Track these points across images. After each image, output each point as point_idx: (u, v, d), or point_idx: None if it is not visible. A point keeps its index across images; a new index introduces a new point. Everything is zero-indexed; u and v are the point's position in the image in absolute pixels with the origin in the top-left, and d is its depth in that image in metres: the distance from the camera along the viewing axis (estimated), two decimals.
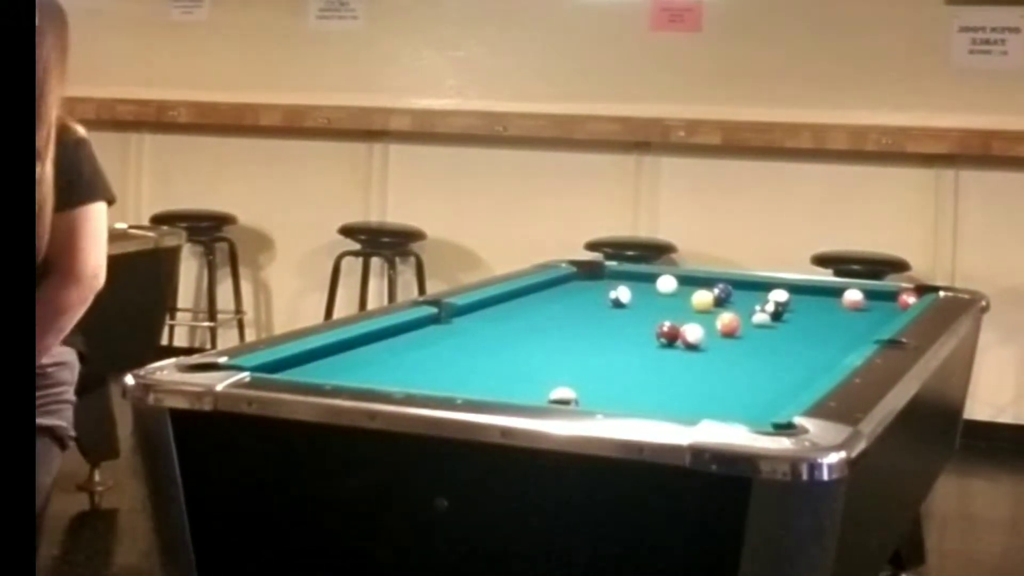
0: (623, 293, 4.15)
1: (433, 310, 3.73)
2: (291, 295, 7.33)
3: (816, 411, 2.58)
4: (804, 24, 6.58)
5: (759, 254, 6.32)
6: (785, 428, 2.44)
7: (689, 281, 4.39)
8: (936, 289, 4.46)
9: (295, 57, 7.34)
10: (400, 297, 6.79)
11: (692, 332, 3.49)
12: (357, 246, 6.89)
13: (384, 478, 2.57)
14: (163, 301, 5.45)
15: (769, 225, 6.58)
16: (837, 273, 5.96)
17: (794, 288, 4.26)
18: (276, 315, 7.40)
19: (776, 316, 3.92)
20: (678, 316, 3.67)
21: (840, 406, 2.65)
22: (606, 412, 2.52)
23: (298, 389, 2.71)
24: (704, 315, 3.84)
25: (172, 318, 7.01)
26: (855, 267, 6.03)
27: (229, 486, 2.69)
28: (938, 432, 3.94)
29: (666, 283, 4.43)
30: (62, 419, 2.66)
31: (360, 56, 7.22)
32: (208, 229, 7.11)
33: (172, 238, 5.29)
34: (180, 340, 7.30)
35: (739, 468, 2.29)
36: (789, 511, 2.32)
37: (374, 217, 7.15)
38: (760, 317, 3.87)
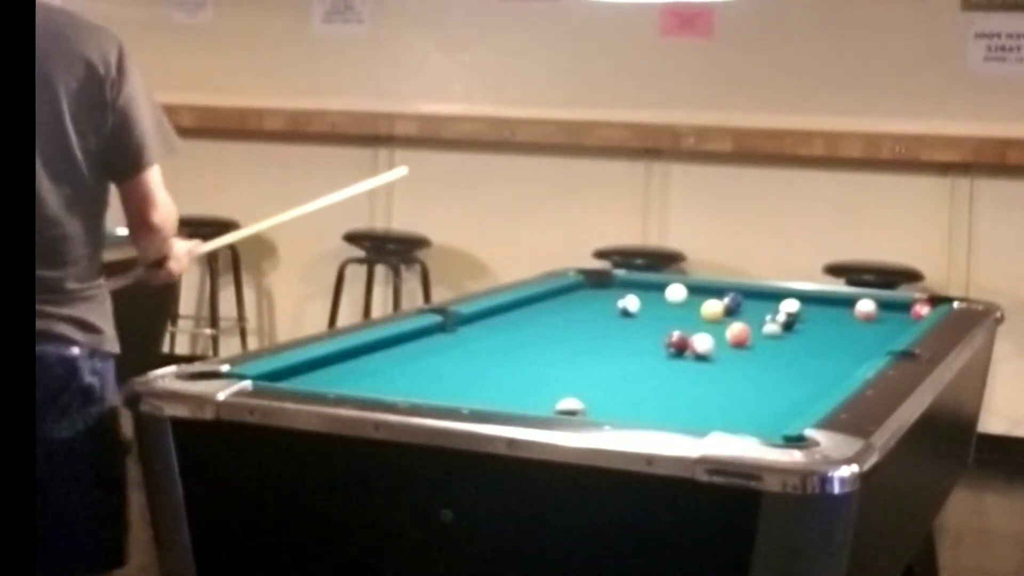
0: (632, 302, 4.13)
1: (438, 318, 3.72)
2: (294, 302, 7.31)
3: (827, 423, 2.57)
4: (817, 30, 6.55)
5: (770, 263, 6.29)
6: (796, 441, 2.43)
7: (699, 290, 4.37)
8: (950, 300, 4.43)
9: (300, 61, 7.32)
10: (405, 305, 6.77)
11: (701, 342, 3.47)
12: (362, 253, 6.87)
13: (388, 489, 2.57)
14: (164, 308, 5.43)
15: (781, 234, 6.55)
16: (849, 283, 5.94)
17: (805, 298, 4.23)
18: (279, 323, 7.38)
19: (787, 326, 3.90)
20: (687, 326, 3.65)
21: (852, 418, 2.63)
22: (614, 423, 2.51)
23: (301, 398, 2.71)
24: (714, 325, 3.82)
25: (173, 325, 6.99)
26: (868, 277, 6.01)
27: (231, 496, 2.69)
28: (952, 445, 3.92)
29: (675, 292, 4.40)
30: None
31: (365, 60, 7.20)
32: (210, 235, 7.01)
33: None
34: (181, 348, 7.29)
35: (749, 481, 2.28)
36: (799, 525, 2.31)
37: (379, 224, 7.12)
38: (771, 327, 3.85)
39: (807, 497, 2.28)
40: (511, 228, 6.90)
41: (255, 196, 7.20)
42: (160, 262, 3.19)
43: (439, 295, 6.58)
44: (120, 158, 2.94)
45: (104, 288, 3.03)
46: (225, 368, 2.86)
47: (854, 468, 2.31)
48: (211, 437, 2.63)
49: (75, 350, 2.89)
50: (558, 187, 6.89)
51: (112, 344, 3.01)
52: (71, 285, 2.90)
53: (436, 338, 3.62)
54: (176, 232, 3.15)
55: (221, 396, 2.64)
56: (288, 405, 2.65)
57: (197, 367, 2.90)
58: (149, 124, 2.97)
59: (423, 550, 2.54)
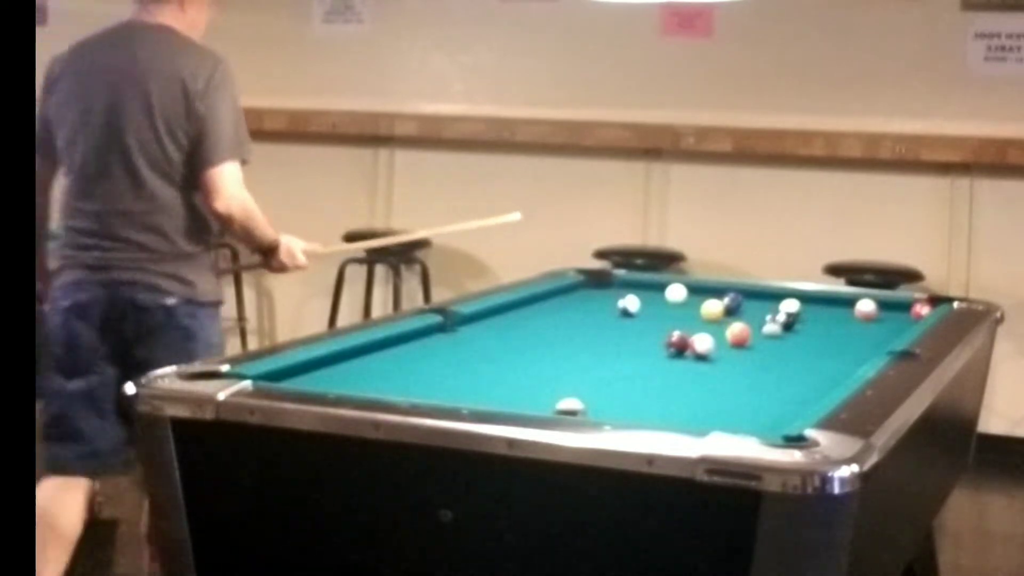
0: (632, 302, 4.12)
1: (438, 319, 3.72)
2: (294, 302, 7.30)
3: (827, 423, 2.57)
4: (817, 30, 6.54)
5: (770, 263, 6.28)
6: (796, 440, 2.43)
7: (699, 290, 4.36)
8: (950, 300, 4.42)
9: (300, 61, 7.31)
10: (405, 305, 6.77)
11: (701, 342, 3.46)
12: (362, 253, 6.85)
13: (388, 489, 2.57)
14: None
15: (780, 234, 6.54)
16: (849, 283, 5.93)
17: (805, 298, 4.23)
18: (279, 323, 7.38)
19: (787, 326, 3.90)
20: (687, 326, 3.64)
21: (852, 418, 2.63)
22: (614, 423, 2.51)
23: (301, 398, 2.71)
24: (714, 325, 3.81)
25: None
26: (868, 277, 6.00)
27: (231, 496, 2.69)
28: (952, 445, 3.91)
29: (675, 292, 4.40)
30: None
31: (366, 60, 7.19)
32: None
33: None
34: None
35: (749, 481, 2.27)
36: (800, 525, 2.31)
37: (379, 223, 7.12)
38: (771, 327, 3.84)
39: (807, 497, 2.27)
40: (511, 228, 6.87)
41: (255, 196, 7.18)
42: (269, 252, 3.92)
43: (439, 295, 6.58)
44: (198, 154, 3.66)
45: (203, 251, 3.76)
46: (225, 368, 2.86)
47: (854, 468, 2.31)
48: (211, 437, 2.63)
49: (170, 299, 3.66)
50: (558, 187, 6.88)
51: (207, 295, 3.75)
52: (167, 248, 3.68)
53: (436, 338, 3.61)
54: (254, 225, 3.79)
55: (221, 396, 2.64)
56: (288, 405, 2.65)
57: (197, 367, 2.90)
58: (226, 131, 3.68)
59: (423, 550, 2.53)
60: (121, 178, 3.68)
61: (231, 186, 3.68)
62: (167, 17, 3.77)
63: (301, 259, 3.98)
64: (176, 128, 3.66)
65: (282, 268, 3.98)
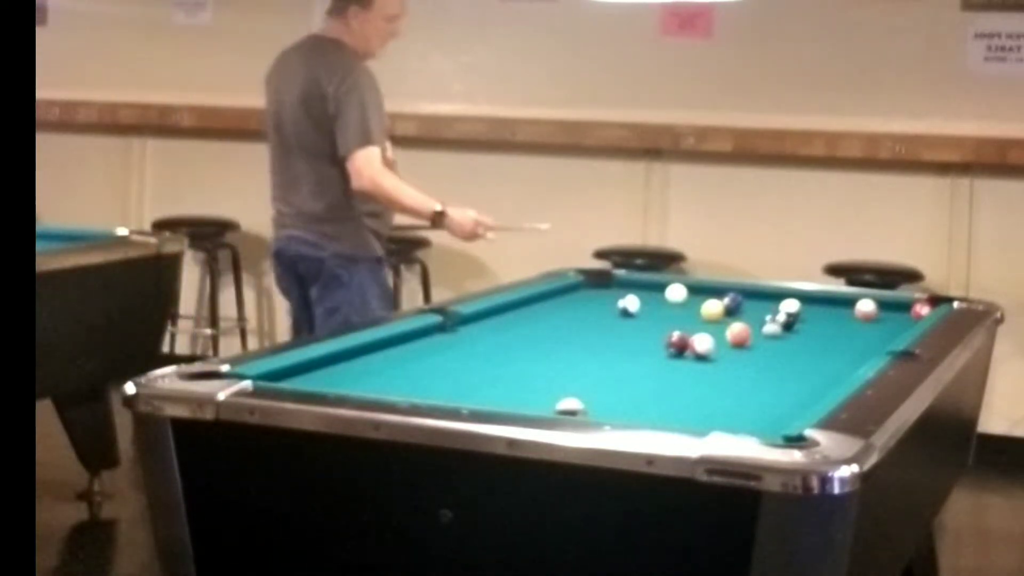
0: (631, 302, 4.12)
1: (438, 319, 3.72)
2: None
3: (827, 423, 2.57)
4: (817, 30, 6.54)
5: (770, 263, 6.27)
6: (796, 441, 2.43)
7: (699, 290, 4.36)
8: (950, 300, 4.43)
9: None
10: (405, 305, 6.75)
11: (701, 342, 3.46)
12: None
13: (388, 489, 2.58)
14: (164, 308, 5.42)
15: (781, 234, 6.53)
16: (849, 283, 5.92)
17: (805, 298, 4.23)
18: (279, 323, 7.35)
19: (787, 327, 3.90)
20: (687, 326, 3.64)
21: (852, 419, 2.64)
22: (614, 423, 2.52)
23: (301, 398, 2.71)
24: (714, 325, 3.81)
25: (173, 325, 6.97)
26: (868, 277, 5.99)
27: (231, 497, 2.69)
28: (952, 445, 3.91)
29: (675, 292, 4.40)
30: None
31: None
32: (210, 235, 7.07)
33: (174, 244, 5.27)
34: (182, 348, 7.26)
35: (749, 481, 2.28)
36: (800, 525, 2.32)
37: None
38: (771, 327, 3.84)
39: (807, 497, 2.28)
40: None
41: (255, 196, 7.18)
42: (437, 220, 4.66)
43: (439, 295, 6.57)
44: (336, 142, 4.55)
45: (349, 216, 4.64)
46: (225, 368, 2.86)
47: (854, 468, 2.31)
48: (211, 437, 2.63)
49: (322, 252, 4.62)
50: (558, 187, 6.87)
51: (354, 250, 4.65)
52: (321, 212, 4.63)
53: (436, 338, 3.61)
54: (395, 199, 4.62)
55: (221, 396, 2.64)
56: (288, 405, 2.66)
57: (197, 367, 2.89)
58: (352, 125, 4.52)
59: (423, 550, 2.53)
60: (286, 158, 4.68)
61: (363, 169, 4.51)
62: (337, 31, 4.69)
63: (470, 228, 4.69)
64: (320, 120, 4.57)
65: (461, 234, 4.72)
